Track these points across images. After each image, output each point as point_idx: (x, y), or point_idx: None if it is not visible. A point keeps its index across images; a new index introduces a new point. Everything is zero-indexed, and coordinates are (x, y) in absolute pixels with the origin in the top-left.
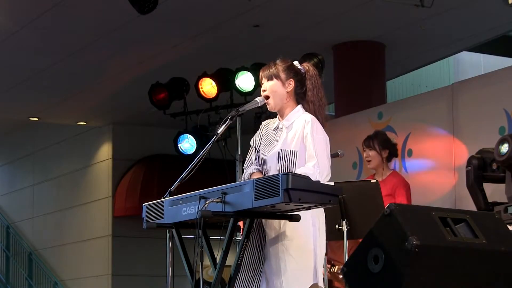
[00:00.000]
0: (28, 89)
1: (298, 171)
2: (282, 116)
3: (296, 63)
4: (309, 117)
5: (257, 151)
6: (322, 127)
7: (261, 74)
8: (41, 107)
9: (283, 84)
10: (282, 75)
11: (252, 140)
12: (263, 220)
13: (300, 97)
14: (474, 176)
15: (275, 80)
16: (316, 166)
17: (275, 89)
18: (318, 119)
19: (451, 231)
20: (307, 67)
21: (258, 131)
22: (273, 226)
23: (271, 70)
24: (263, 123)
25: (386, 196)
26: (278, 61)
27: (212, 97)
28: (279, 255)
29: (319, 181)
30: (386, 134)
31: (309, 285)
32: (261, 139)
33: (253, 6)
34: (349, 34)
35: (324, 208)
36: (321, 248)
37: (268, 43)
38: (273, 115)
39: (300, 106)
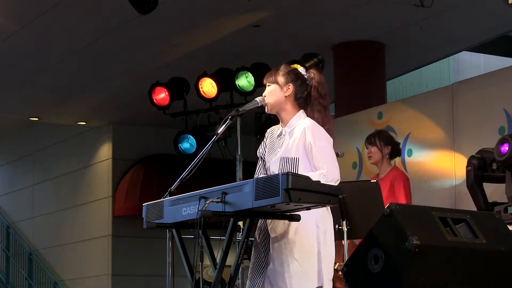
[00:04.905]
0: (28, 89)
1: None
2: (283, 122)
3: (301, 69)
4: (307, 122)
5: (263, 160)
6: (323, 130)
7: (264, 80)
8: (41, 107)
9: (281, 88)
10: (281, 80)
11: (258, 150)
12: (269, 225)
13: (301, 102)
14: (474, 176)
15: (273, 84)
16: (323, 175)
17: (272, 92)
18: (324, 127)
19: (451, 231)
20: (312, 74)
21: (262, 141)
22: (278, 229)
23: (271, 75)
24: (268, 130)
25: (386, 191)
26: (281, 67)
27: (212, 97)
28: (283, 258)
29: (319, 181)
30: (388, 132)
31: None
32: (266, 147)
33: (253, 6)
34: (349, 34)
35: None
36: (327, 250)
37: (268, 43)
38: (274, 118)
39: (301, 111)
